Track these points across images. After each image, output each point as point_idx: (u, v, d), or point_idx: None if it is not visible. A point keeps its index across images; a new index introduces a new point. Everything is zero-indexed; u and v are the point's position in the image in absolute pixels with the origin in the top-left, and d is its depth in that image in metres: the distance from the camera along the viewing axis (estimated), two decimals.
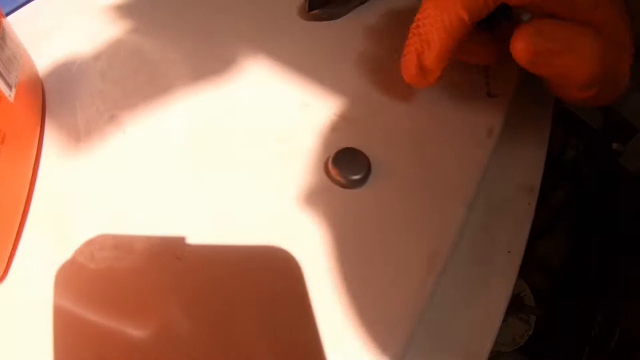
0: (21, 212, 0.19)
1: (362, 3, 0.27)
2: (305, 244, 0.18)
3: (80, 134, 0.21)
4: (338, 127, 0.21)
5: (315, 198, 0.19)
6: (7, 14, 0.26)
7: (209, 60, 0.24)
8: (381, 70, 0.24)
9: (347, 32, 0.26)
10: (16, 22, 0.22)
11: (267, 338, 0.16)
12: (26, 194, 0.19)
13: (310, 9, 0.25)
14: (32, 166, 0.20)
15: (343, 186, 0.19)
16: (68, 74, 0.24)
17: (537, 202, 0.24)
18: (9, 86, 0.19)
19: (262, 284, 0.17)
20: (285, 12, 0.26)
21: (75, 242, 0.18)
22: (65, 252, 0.18)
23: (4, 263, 0.17)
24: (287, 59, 0.24)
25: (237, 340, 0.16)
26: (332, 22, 0.26)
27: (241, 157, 0.20)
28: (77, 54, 0.25)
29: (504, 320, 0.21)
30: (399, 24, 0.25)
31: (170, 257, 0.18)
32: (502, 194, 0.24)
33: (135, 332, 0.16)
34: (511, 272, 0.22)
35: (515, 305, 0.40)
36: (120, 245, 0.18)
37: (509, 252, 0.22)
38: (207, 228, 0.18)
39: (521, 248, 0.23)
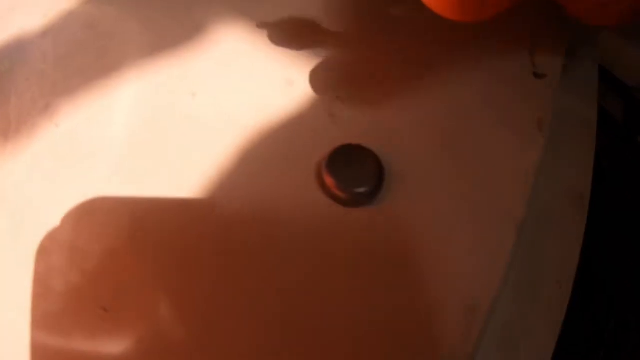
0: None
1: None
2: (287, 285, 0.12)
3: (10, 127, 0.16)
4: (335, 114, 0.15)
5: (301, 220, 0.13)
6: None
7: (172, 28, 0.18)
8: (400, 30, 0.18)
9: None
10: None
11: None
12: None
13: None
14: None
15: (342, 203, 0.13)
16: (12, 56, 0.18)
17: None
18: None
19: None
20: None
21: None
22: None
23: None
24: (267, 19, 0.18)
25: None
26: None
27: (201, 159, 0.14)
28: (24, 32, 0.18)
29: None
30: None
31: (94, 308, 0.12)
32: (547, 204, 0.18)
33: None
34: (559, 314, 0.16)
35: None
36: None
37: (558, 282, 0.17)
38: None
39: (572, 275, 0.18)
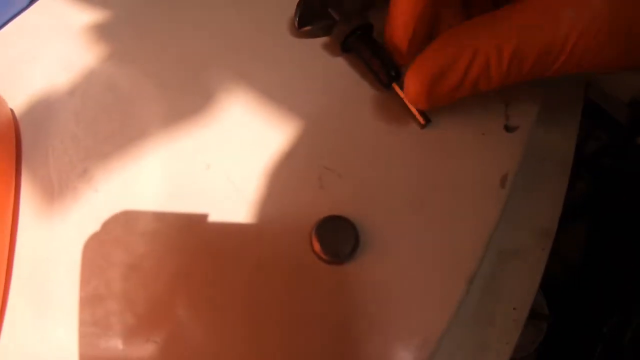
0: (3, 282, 0.18)
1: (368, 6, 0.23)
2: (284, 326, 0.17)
3: (54, 190, 0.20)
4: (324, 185, 0.19)
5: (293, 276, 0.17)
6: None
7: (187, 94, 0.22)
8: (372, 106, 0.21)
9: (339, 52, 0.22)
10: None
11: None
12: (6, 262, 0.19)
13: (300, 26, 0.21)
14: (9, 230, 0.19)
15: (325, 262, 0.17)
16: (42, 111, 0.22)
17: None
18: None
19: None
20: (273, 29, 0.23)
21: (56, 314, 0.18)
22: (46, 327, 0.18)
23: None
24: (270, 89, 0.21)
25: None
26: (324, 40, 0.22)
27: (214, 220, 0.19)
28: (51, 87, 0.23)
29: None
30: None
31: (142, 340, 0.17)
32: (512, 239, 0.22)
33: None
34: (514, 333, 0.20)
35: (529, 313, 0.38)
36: (99, 322, 0.17)
37: (515, 309, 0.21)
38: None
39: (528, 302, 0.21)
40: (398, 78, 0.20)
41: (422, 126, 0.20)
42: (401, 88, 0.19)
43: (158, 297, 0.18)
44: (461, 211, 0.18)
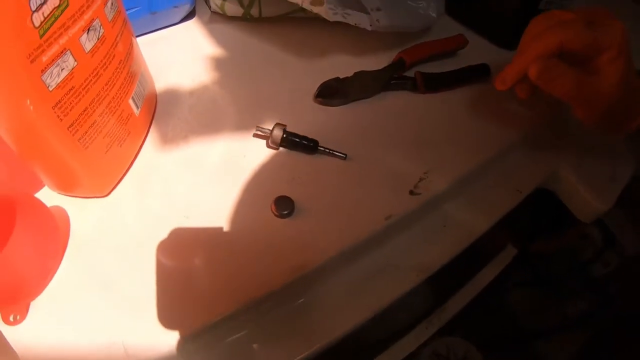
0: (127, 165, 0.36)
1: (357, 99, 0.40)
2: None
3: (167, 139, 0.38)
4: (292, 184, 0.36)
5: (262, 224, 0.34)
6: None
7: (247, 115, 0.40)
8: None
9: (340, 117, 0.39)
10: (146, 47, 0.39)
11: None
12: (132, 159, 0.37)
13: (317, 97, 0.39)
14: (138, 147, 0.38)
15: (278, 217, 0.33)
16: (171, 97, 0.41)
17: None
18: (137, 106, 0.36)
19: None
20: (304, 94, 0.41)
21: (150, 197, 0.35)
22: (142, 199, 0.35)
23: (113, 184, 0.35)
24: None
25: None
26: (331, 108, 0.40)
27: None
28: (180, 85, 0.42)
29: None
30: (375, 117, 0.38)
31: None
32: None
33: None
34: None
35: None
36: None
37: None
38: None
39: None
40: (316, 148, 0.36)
41: (345, 158, 0.36)
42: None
43: None
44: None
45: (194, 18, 0.48)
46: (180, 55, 0.44)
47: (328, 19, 0.39)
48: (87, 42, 0.30)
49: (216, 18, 0.48)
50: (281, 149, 0.37)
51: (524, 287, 0.84)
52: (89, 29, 0.30)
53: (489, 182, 0.41)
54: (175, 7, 0.44)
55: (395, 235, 0.35)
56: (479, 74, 0.46)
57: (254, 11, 0.45)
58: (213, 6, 0.46)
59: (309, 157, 0.37)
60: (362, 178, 0.36)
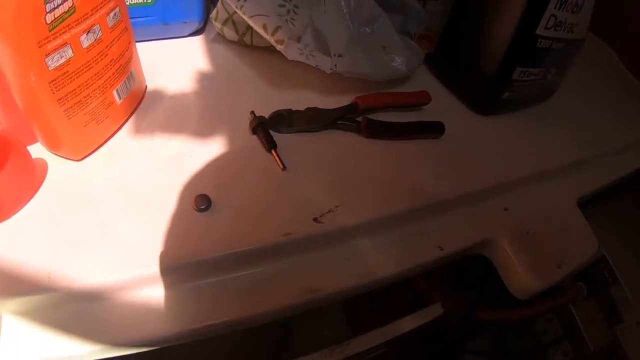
0: (102, 141, 0.45)
1: (302, 131, 0.46)
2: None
3: (139, 129, 0.47)
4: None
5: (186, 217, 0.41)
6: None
7: (206, 126, 0.47)
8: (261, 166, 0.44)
9: (284, 141, 0.45)
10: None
11: None
12: (107, 137, 0.45)
13: (268, 121, 0.46)
14: (115, 129, 0.46)
15: (197, 211, 0.40)
16: (157, 98, 0.49)
17: None
18: (120, 97, 0.45)
19: None
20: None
21: (111, 170, 0.43)
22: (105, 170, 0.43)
23: (86, 152, 0.44)
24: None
25: None
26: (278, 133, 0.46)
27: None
28: (167, 89, 0.50)
29: None
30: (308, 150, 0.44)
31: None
32: None
33: None
34: None
35: None
36: None
37: None
38: None
39: None
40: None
41: (283, 169, 0.42)
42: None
43: None
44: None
45: (202, 35, 0.57)
46: (177, 64, 0.52)
47: (287, 57, 0.45)
48: (86, 41, 0.39)
49: (219, 39, 0.56)
50: None
51: (477, 355, 0.83)
52: (89, 31, 0.39)
53: (410, 231, 0.44)
54: (185, 22, 0.53)
55: (292, 254, 0.40)
56: (431, 130, 0.50)
57: (247, 39, 0.53)
58: (216, 28, 0.54)
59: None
60: (281, 193, 0.41)
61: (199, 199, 0.39)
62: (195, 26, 0.55)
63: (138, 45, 0.52)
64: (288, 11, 0.48)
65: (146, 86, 0.50)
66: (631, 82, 0.71)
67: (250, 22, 0.46)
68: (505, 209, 0.49)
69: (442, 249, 0.43)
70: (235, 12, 0.49)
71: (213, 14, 0.53)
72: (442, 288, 0.64)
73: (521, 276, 0.44)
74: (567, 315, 0.74)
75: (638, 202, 0.68)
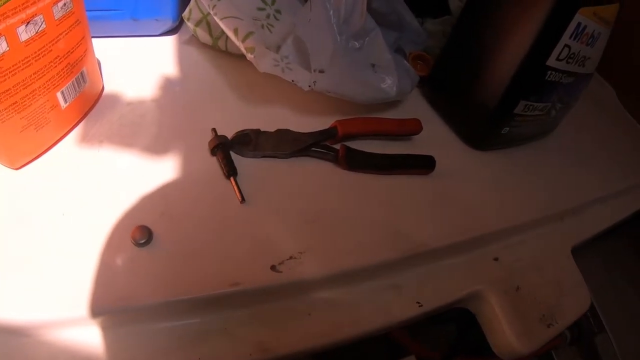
0: (43, 149, 0.39)
1: (269, 156, 0.41)
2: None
3: (86, 137, 0.41)
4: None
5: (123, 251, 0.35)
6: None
7: (160, 143, 0.41)
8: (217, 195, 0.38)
9: (247, 167, 0.40)
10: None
11: None
12: (49, 145, 0.40)
13: (230, 142, 0.40)
14: (59, 136, 0.40)
15: (136, 245, 0.34)
16: (112, 103, 0.44)
17: None
18: (66, 100, 0.39)
19: None
20: None
21: (50, 181, 0.38)
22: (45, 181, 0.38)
23: (24, 161, 0.38)
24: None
25: None
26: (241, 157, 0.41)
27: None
28: (125, 93, 0.45)
29: None
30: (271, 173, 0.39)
31: None
32: None
33: None
34: None
35: None
36: None
37: None
38: None
39: None
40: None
41: (241, 202, 0.36)
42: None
43: None
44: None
45: (176, 35, 0.51)
46: (141, 65, 0.47)
47: (258, 68, 0.40)
48: (24, 33, 0.33)
49: (193, 41, 0.51)
50: None
51: None
52: (29, 22, 0.33)
53: (385, 284, 0.38)
54: (157, 19, 0.48)
55: (242, 305, 0.34)
56: (420, 166, 0.45)
57: (221, 44, 0.48)
58: (190, 29, 0.49)
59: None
60: (236, 230, 0.36)
61: (138, 232, 0.34)
62: (168, 25, 0.49)
63: (102, 42, 0.46)
64: (268, 16, 0.43)
65: (103, 88, 0.45)
66: (629, 122, 0.69)
67: (222, 25, 0.41)
68: (496, 259, 0.44)
69: (421, 305, 0.38)
70: (209, 13, 0.44)
71: (186, 12, 0.47)
72: (419, 335, 0.59)
73: (508, 337, 0.39)
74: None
75: (629, 245, 0.67)
